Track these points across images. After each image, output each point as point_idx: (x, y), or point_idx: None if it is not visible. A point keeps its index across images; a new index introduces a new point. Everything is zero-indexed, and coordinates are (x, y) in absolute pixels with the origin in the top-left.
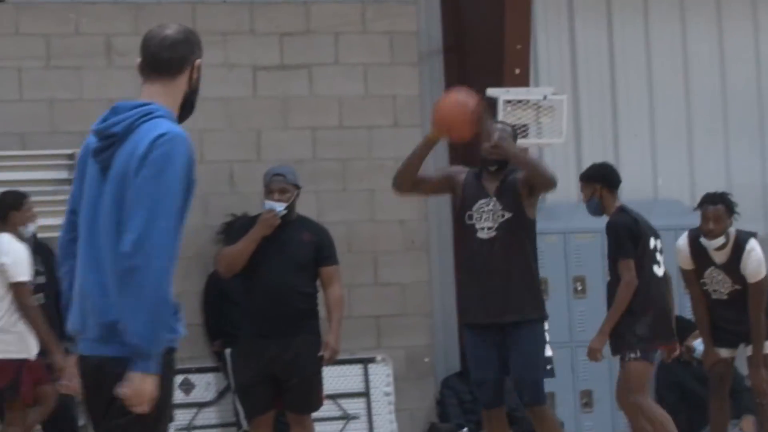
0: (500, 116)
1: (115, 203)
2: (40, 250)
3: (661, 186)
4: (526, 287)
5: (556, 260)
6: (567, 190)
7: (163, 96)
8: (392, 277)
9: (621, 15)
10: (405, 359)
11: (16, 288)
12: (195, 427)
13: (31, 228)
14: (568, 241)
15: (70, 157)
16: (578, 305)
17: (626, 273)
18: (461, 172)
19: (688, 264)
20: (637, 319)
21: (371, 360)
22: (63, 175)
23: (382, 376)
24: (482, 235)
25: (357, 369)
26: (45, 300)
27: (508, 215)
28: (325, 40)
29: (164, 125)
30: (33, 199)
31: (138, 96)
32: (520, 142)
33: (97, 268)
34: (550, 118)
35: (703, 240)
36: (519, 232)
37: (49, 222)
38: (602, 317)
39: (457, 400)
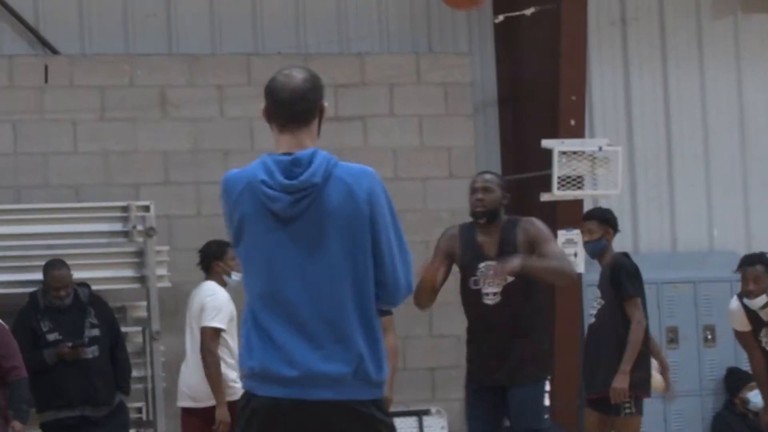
0: (555, 167)
1: (343, 247)
2: (95, 302)
3: (717, 237)
4: (535, 348)
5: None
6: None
7: (307, 142)
8: (447, 329)
9: (676, 66)
10: (460, 411)
11: (205, 331)
12: None
13: (235, 277)
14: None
15: (125, 209)
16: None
17: (637, 312)
18: (453, 236)
19: (744, 326)
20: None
21: (426, 412)
22: (117, 227)
23: (436, 428)
24: (488, 300)
25: (412, 421)
26: (99, 353)
27: (510, 278)
28: (379, 92)
29: (355, 166)
30: (86, 251)
31: (191, 143)
32: (576, 193)
33: (328, 318)
34: (606, 169)
35: (746, 300)
36: (524, 291)
37: (102, 274)
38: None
39: None
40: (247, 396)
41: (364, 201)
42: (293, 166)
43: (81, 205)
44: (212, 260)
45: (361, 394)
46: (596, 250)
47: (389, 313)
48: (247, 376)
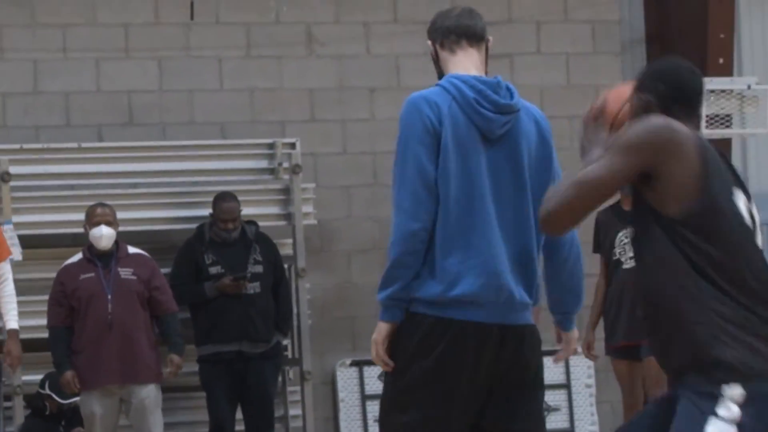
0: (704, 106)
1: (530, 172)
2: (261, 240)
3: None
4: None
5: None
6: None
7: (481, 65)
8: (593, 268)
9: None
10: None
11: None
12: None
13: None
14: None
15: (270, 146)
16: None
17: None
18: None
19: None
20: None
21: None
22: (263, 164)
23: (583, 368)
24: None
25: None
26: (260, 289)
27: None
28: (527, 29)
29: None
30: (233, 188)
31: (337, 81)
32: (724, 132)
33: (516, 242)
34: (754, 107)
35: None
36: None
37: (248, 211)
38: None
39: None
40: (432, 319)
41: (549, 133)
42: (498, 88)
43: (226, 142)
44: None
45: (532, 318)
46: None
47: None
48: (439, 302)
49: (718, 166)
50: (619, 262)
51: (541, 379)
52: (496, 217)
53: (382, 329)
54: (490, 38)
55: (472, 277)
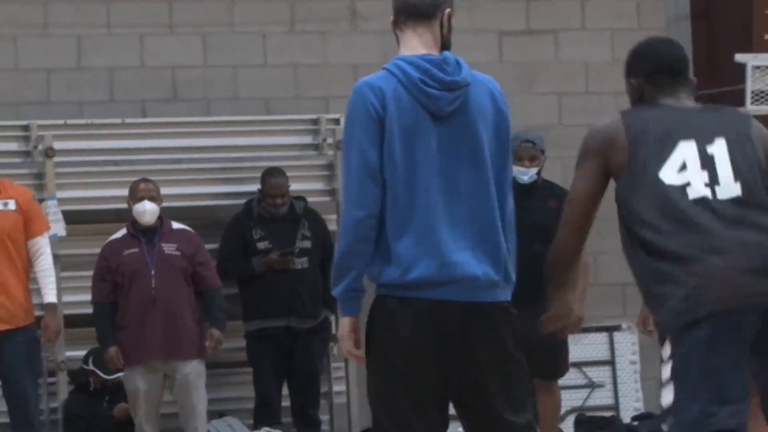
0: (749, 82)
1: (488, 146)
2: (309, 215)
3: None
4: None
5: None
6: None
7: (432, 43)
8: None
9: None
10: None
11: None
12: None
13: None
14: None
15: (315, 122)
16: None
17: None
18: None
19: None
20: None
21: (617, 328)
22: (307, 140)
23: (627, 344)
24: None
25: (602, 337)
26: (308, 265)
27: None
28: (571, 5)
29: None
30: (276, 164)
31: (381, 57)
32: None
33: (476, 219)
34: None
35: None
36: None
37: (292, 187)
38: None
39: None
40: (397, 300)
41: (504, 104)
42: (444, 65)
43: (271, 117)
44: None
45: (505, 295)
46: None
47: None
48: (401, 284)
49: (647, 139)
50: None
51: (513, 355)
52: (451, 195)
53: (345, 324)
54: (448, 9)
55: (428, 260)
